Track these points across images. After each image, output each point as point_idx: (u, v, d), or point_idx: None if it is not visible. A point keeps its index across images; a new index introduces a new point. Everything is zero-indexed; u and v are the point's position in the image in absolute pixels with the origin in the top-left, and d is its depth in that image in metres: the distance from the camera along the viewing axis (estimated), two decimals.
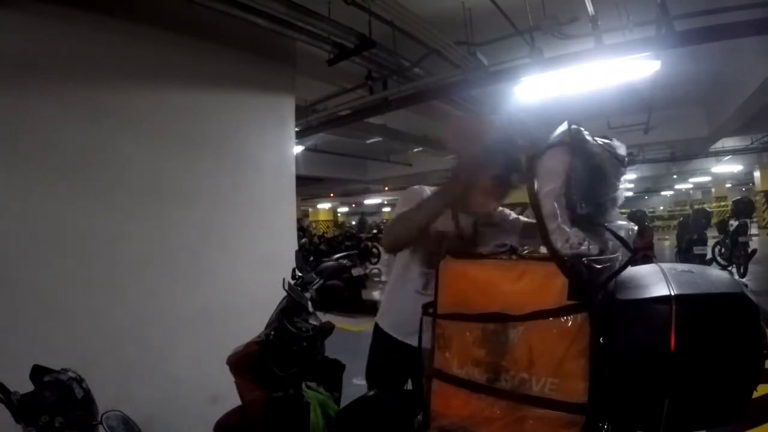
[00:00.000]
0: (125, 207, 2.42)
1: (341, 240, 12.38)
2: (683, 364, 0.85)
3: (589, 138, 1.10)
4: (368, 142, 8.37)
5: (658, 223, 19.17)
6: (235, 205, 2.95)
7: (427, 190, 1.39)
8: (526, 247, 1.07)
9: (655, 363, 0.87)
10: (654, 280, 0.96)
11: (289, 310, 1.84)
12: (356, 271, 6.86)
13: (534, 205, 1.02)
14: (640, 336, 0.91)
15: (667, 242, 12.90)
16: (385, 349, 1.59)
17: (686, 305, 0.87)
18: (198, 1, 2.44)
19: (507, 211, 1.53)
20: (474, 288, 1.03)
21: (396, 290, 1.56)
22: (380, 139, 7.87)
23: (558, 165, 1.06)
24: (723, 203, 16.82)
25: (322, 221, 24.95)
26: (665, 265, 1.03)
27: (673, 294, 0.88)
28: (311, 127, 5.73)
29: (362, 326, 5.77)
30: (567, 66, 3.58)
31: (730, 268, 6.81)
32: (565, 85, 4.21)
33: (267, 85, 3.28)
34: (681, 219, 8.18)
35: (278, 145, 3.33)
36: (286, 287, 1.81)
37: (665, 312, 0.87)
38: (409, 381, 1.56)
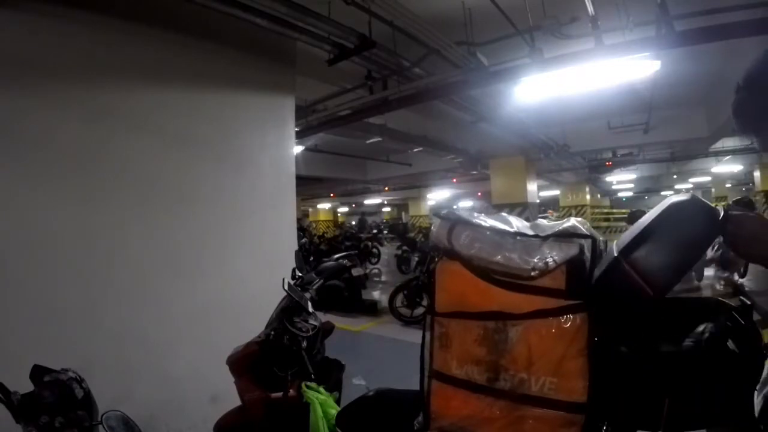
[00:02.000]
0: (125, 207, 2.42)
1: (341, 240, 12.38)
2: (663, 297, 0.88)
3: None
4: (368, 142, 8.37)
5: None
6: (235, 204, 2.95)
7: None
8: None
9: (654, 360, 0.87)
10: (606, 259, 0.99)
11: (289, 310, 1.84)
12: (356, 271, 6.86)
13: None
14: (620, 296, 0.93)
15: None
16: None
17: (630, 251, 0.90)
18: (198, 1, 2.44)
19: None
20: (472, 288, 1.03)
21: None
22: (380, 139, 7.87)
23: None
24: (723, 203, 16.80)
25: (322, 221, 24.96)
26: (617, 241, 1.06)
27: (616, 254, 0.92)
28: (311, 127, 5.73)
29: (362, 326, 5.77)
30: (567, 66, 3.58)
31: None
32: (565, 85, 4.21)
33: (267, 85, 3.28)
34: None
35: (278, 145, 3.33)
36: (286, 287, 1.81)
37: (622, 272, 0.90)
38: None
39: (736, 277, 6.08)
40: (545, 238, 0.97)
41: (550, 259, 0.94)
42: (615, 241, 1.02)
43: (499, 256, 0.98)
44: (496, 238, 1.01)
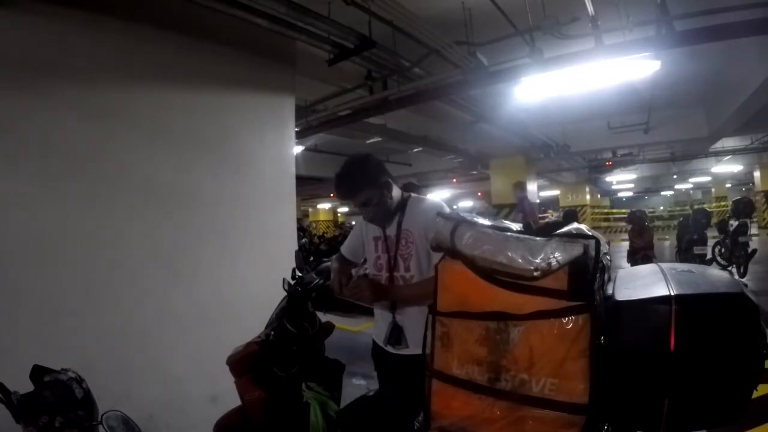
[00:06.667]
0: (125, 207, 2.42)
1: (341, 240, 12.35)
2: (683, 363, 0.85)
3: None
4: (368, 142, 8.37)
5: (658, 223, 19.15)
6: (235, 205, 2.95)
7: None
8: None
9: (655, 363, 0.87)
10: (654, 280, 0.96)
11: (289, 310, 1.84)
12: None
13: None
14: (640, 336, 0.91)
15: (667, 242, 12.89)
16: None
17: (686, 305, 0.87)
18: (198, 1, 2.43)
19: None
20: (474, 288, 1.03)
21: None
22: (380, 139, 7.87)
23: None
24: (723, 203, 16.80)
25: (322, 221, 24.92)
26: (665, 265, 1.03)
27: (672, 294, 0.88)
28: (311, 127, 5.73)
29: (362, 326, 5.77)
30: (567, 66, 3.58)
31: (730, 268, 6.80)
32: (565, 85, 4.21)
33: (267, 85, 3.28)
34: (681, 219, 8.15)
35: (278, 145, 3.33)
36: (286, 287, 1.81)
37: (665, 312, 0.87)
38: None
39: (735, 276, 6.07)
40: (549, 238, 0.97)
41: (553, 260, 0.93)
42: (667, 269, 0.99)
43: (502, 256, 0.98)
44: (499, 239, 1.01)
